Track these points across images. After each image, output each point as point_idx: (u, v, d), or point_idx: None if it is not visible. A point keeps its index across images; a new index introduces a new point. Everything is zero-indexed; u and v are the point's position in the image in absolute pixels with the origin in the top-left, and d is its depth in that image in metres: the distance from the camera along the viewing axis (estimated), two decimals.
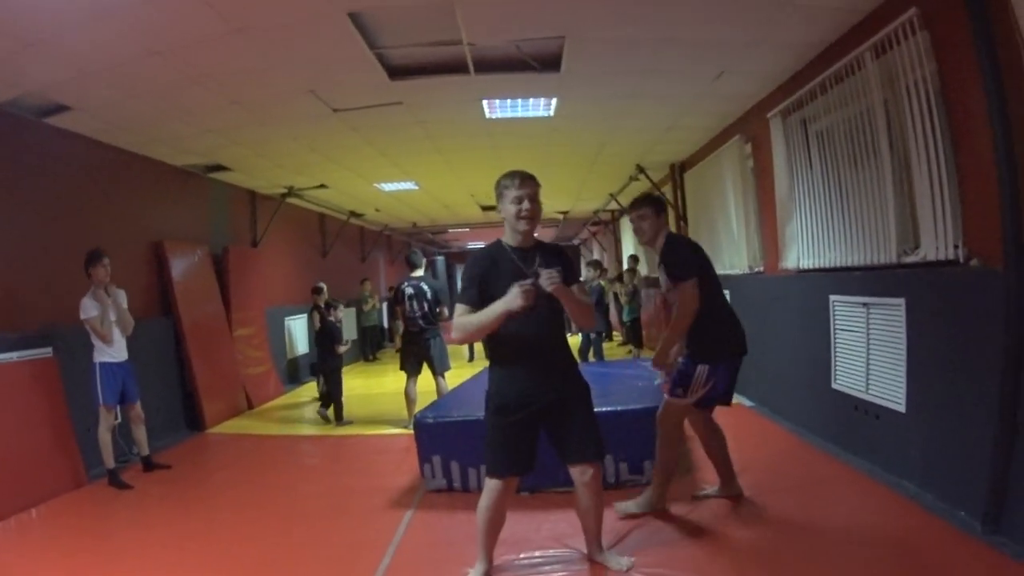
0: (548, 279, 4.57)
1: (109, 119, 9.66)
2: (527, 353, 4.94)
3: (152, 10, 6.51)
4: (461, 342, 5.02)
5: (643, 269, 20.65)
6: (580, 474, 5.02)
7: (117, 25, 6.74)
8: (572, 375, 5.19)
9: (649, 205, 6.57)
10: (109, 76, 8.05)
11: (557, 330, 5.10)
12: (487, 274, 4.91)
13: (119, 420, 9.46)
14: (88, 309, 8.86)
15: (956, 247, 6.07)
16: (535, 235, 5.18)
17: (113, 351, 9.05)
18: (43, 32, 6.71)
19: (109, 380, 8.97)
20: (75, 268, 9.19)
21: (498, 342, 4.99)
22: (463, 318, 4.84)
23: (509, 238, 5.08)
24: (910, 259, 6.81)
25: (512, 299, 4.55)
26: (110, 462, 8.97)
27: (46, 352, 9.03)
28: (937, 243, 6.28)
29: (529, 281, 4.61)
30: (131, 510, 8.13)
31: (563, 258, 5.16)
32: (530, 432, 4.99)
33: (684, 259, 6.29)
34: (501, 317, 4.64)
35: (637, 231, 6.67)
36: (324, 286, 14.68)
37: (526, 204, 4.93)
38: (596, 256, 33.39)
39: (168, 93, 8.84)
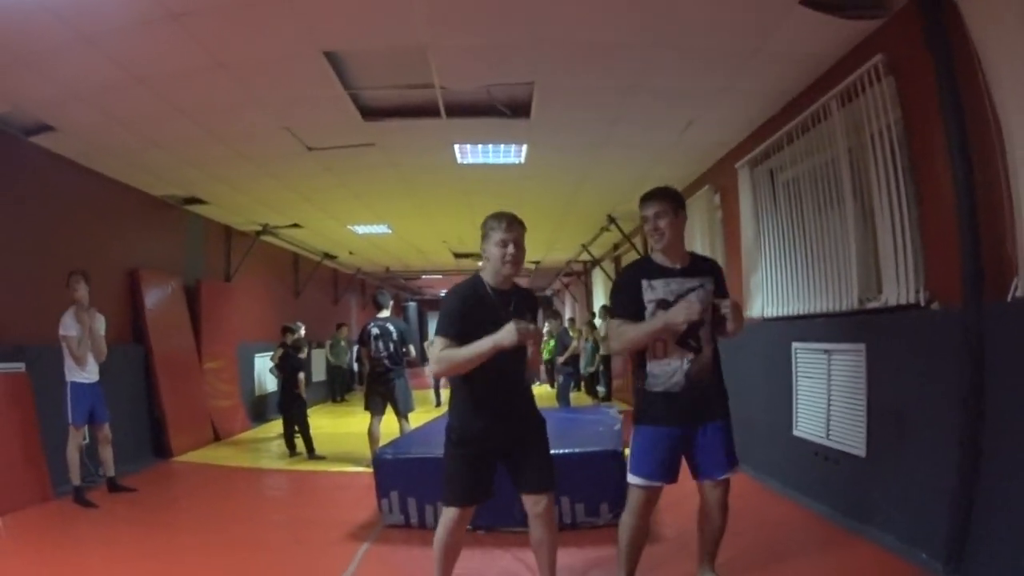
0: (526, 332, 4.60)
1: (92, 142, 9.76)
2: (493, 390, 4.95)
3: (139, 39, 6.68)
4: (442, 375, 5.03)
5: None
6: (534, 504, 5.00)
7: (105, 50, 6.89)
8: (532, 413, 5.21)
9: (668, 199, 5.24)
10: (94, 99, 8.17)
11: (520, 370, 5.11)
12: (471, 310, 4.89)
13: (87, 440, 9.51)
14: (68, 327, 8.96)
15: (918, 291, 6.18)
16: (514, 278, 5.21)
17: (85, 372, 9.13)
18: (35, 49, 6.82)
19: (79, 400, 9.04)
20: (51, 288, 9.36)
21: (465, 377, 4.95)
22: (448, 351, 4.78)
23: (489, 277, 5.06)
24: (872, 305, 6.93)
25: (506, 336, 4.56)
26: (76, 480, 8.98)
27: (19, 367, 9.15)
28: (899, 288, 6.40)
29: (524, 324, 4.63)
30: (96, 527, 8.19)
31: (535, 305, 5.27)
32: (488, 465, 5.01)
33: None
34: (490, 352, 4.64)
35: (652, 232, 5.25)
36: (293, 326, 14.69)
37: (511, 249, 4.92)
38: (568, 308, 33.48)
39: (150, 121, 8.98)
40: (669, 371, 5.13)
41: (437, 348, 4.85)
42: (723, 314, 5.00)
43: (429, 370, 5.10)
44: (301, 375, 13.44)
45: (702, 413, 5.15)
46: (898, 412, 6.56)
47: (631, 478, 5.23)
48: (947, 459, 5.65)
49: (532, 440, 5.07)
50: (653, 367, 5.18)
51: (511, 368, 4.96)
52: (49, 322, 9.03)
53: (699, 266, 5.30)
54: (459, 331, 4.79)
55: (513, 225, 4.97)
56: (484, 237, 5.04)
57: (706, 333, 5.11)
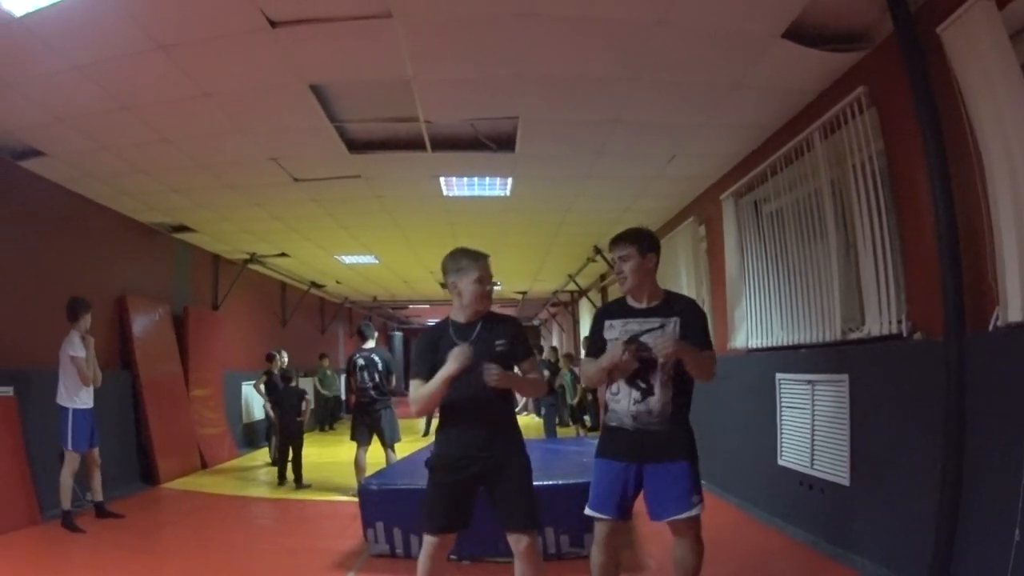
0: (488, 375, 4.74)
1: (80, 168, 9.77)
2: (466, 420, 5.05)
3: (127, 68, 6.74)
4: (419, 414, 5.11)
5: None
6: (516, 542, 5.00)
7: (93, 78, 6.95)
8: (511, 445, 5.20)
9: (632, 242, 5.23)
10: (82, 125, 8.21)
11: (498, 401, 5.12)
12: (435, 349, 5.04)
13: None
14: (77, 347, 9.07)
15: (900, 322, 6.21)
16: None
17: (85, 398, 9.23)
18: (24, 75, 6.88)
19: (80, 426, 9.15)
20: (40, 312, 9.51)
21: (444, 408, 5.11)
22: (419, 389, 5.00)
23: (457, 315, 5.20)
24: (854, 335, 6.96)
25: (450, 363, 4.77)
26: (67, 504, 8.97)
27: (7, 391, 9.13)
28: (881, 319, 6.42)
29: (465, 344, 4.81)
30: (83, 552, 8.23)
31: (508, 327, 5.24)
32: (464, 493, 5.05)
33: (708, 332, 5.30)
34: (445, 383, 4.82)
35: (618, 275, 5.34)
36: (275, 353, 14.83)
37: (488, 287, 5.09)
38: (555, 338, 33.44)
39: (137, 148, 9.00)
40: (620, 409, 5.19)
41: (412, 390, 5.08)
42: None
43: (412, 412, 5.17)
44: (308, 398, 13.54)
45: (651, 453, 5.11)
46: (881, 441, 6.58)
47: (586, 509, 5.30)
48: (929, 486, 5.66)
49: (512, 478, 5.07)
50: (610, 402, 5.27)
51: (481, 400, 5.00)
52: (36, 346, 9.17)
53: (669, 307, 5.24)
54: (429, 369, 4.99)
55: (488, 265, 5.16)
56: (456, 272, 5.14)
57: (662, 376, 5.07)
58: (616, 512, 5.16)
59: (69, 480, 9.03)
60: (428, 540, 5.03)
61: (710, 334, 5.28)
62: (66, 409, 9.08)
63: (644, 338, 5.03)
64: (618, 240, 5.32)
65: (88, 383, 9.19)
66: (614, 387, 5.22)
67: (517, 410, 6.12)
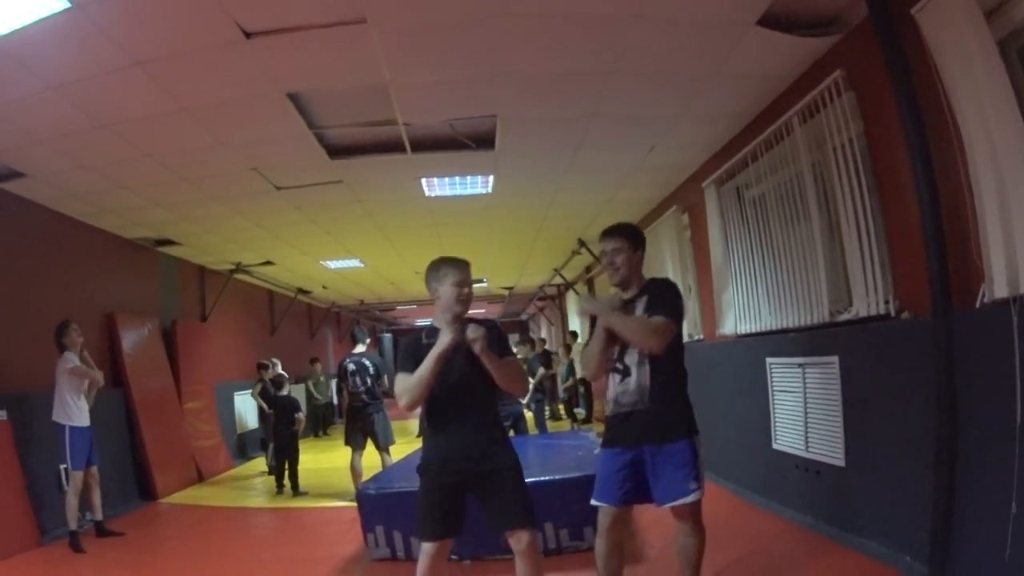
0: (474, 332, 4.73)
1: (61, 187, 9.71)
2: (451, 423, 5.05)
3: (103, 84, 6.69)
4: (411, 404, 5.05)
5: (582, 340, 20.81)
6: (516, 542, 4.96)
7: (70, 97, 6.91)
8: (498, 448, 5.17)
9: (624, 236, 5.35)
10: (61, 145, 8.17)
11: (483, 404, 5.15)
12: (417, 351, 5.02)
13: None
14: (72, 360, 9.08)
15: (887, 302, 6.24)
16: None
17: (82, 417, 9.21)
18: (1, 97, 6.82)
19: (79, 445, 9.12)
20: (30, 335, 9.47)
21: (429, 413, 5.14)
22: (406, 379, 4.94)
23: (438, 322, 5.18)
24: (843, 317, 6.98)
25: (441, 340, 4.78)
26: (73, 524, 8.98)
27: (0, 415, 9.09)
28: (869, 299, 6.45)
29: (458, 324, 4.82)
30: (87, 573, 8.23)
31: (488, 328, 5.15)
32: (453, 499, 5.02)
33: (675, 303, 5.20)
34: (437, 362, 4.79)
35: (608, 267, 5.40)
36: (268, 362, 14.81)
37: (466, 290, 5.08)
38: (544, 332, 33.47)
39: (117, 165, 8.97)
40: (609, 395, 5.30)
41: (399, 383, 5.01)
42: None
43: (401, 406, 5.14)
44: (300, 415, 13.50)
45: (645, 435, 5.11)
46: (874, 421, 6.61)
47: (591, 499, 5.31)
48: (924, 464, 5.69)
49: (504, 479, 5.04)
50: (607, 391, 5.35)
51: (466, 402, 5.04)
52: (29, 368, 9.16)
53: (642, 291, 5.31)
54: (413, 365, 4.95)
55: (467, 269, 5.18)
56: (437, 279, 5.15)
57: (637, 356, 5.15)
58: (618, 500, 5.17)
59: (74, 500, 9.05)
60: (423, 547, 5.03)
61: (674, 305, 5.19)
62: (63, 427, 9.06)
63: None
64: (611, 233, 5.39)
65: (98, 382, 9.40)
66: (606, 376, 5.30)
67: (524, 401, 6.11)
